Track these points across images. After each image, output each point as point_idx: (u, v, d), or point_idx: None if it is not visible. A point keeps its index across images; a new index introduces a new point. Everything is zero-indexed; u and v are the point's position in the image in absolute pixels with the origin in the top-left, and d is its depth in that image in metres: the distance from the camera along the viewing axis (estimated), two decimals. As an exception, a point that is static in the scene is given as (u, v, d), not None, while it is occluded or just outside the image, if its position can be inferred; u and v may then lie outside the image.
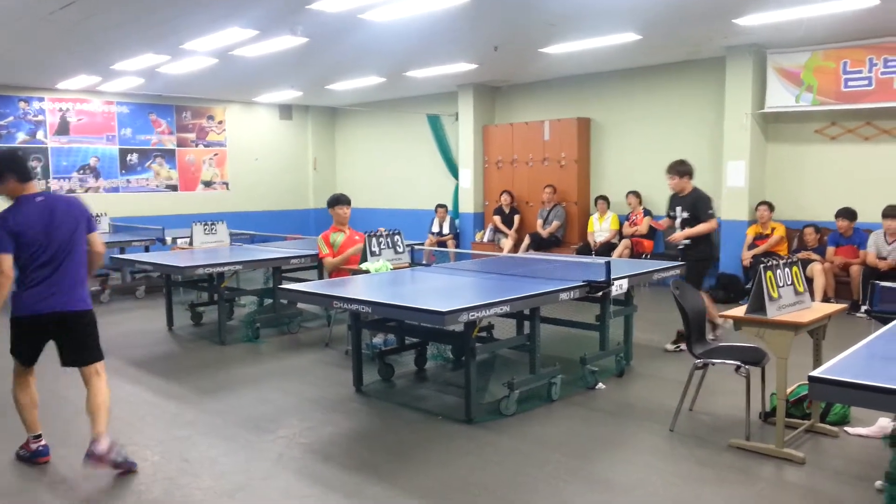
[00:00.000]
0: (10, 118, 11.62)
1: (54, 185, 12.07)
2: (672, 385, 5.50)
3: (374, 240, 6.46)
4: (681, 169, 6.70)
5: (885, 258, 7.98)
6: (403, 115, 13.70)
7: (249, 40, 8.19)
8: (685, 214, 6.62)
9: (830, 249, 8.48)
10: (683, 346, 6.99)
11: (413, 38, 8.36)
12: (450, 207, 12.79)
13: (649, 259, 9.61)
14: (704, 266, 6.74)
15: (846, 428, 4.54)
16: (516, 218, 11.72)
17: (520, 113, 12.25)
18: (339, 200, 7.08)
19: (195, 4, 6.75)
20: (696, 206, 6.57)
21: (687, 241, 6.59)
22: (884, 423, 4.44)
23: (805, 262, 8.32)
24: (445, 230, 12.38)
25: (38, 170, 11.93)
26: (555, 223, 11.08)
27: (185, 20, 7.35)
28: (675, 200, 6.81)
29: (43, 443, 4.23)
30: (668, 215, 6.92)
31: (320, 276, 8.01)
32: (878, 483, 3.67)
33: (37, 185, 4.12)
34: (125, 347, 6.99)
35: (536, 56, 9.52)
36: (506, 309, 4.62)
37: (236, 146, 14.23)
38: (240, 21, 7.42)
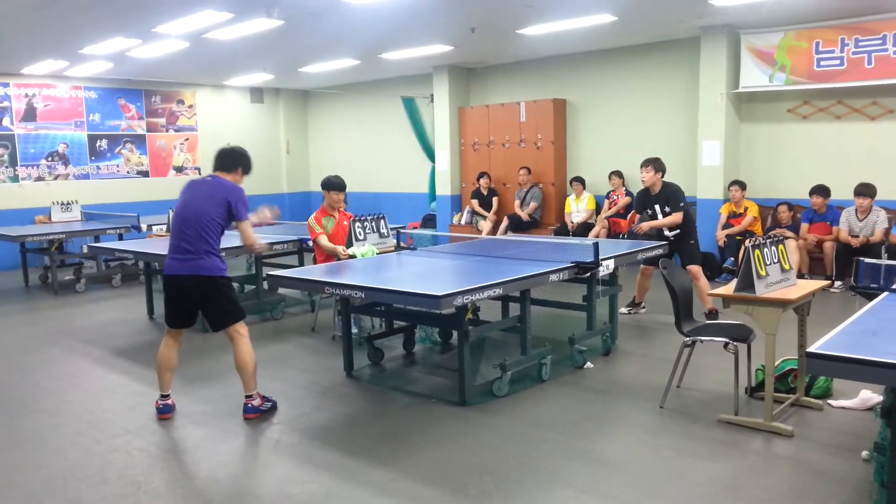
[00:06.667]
0: (-26, 104, 11.31)
1: (22, 172, 11.79)
2: (657, 363, 5.62)
3: (358, 224, 6.43)
4: (658, 165, 6.96)
5: (857, 235, 8.17)
6: (377, 98, 13.60)
7: (223, 23, 8.05)
8: (667, 209, 6.88)
9: (804, 226, 8.65)
10: (635, 310, 7.39)
11: (390, 20, 8.27)
12: (426, 190, 12.76)
13: (626, 238, 9.72)
14: (697, 246, 7.08)
15: (830, 401, 4.67)
16: (495, 200, 11.71)
17: (495, 94, 12.24)
18: (330, 184, 6.69)
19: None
20: (676, 198, 6.88)
21: (676, 232, 6.88)
22: (866, 395, 4.58)
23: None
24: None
25: (6, 157, 11.64)
26: (532, 204, 11.13)
27: (158, 3, 7.19)
28: (647, 198, 7.05)
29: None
30: (647, 213, 7.05)
31: (301, 262, 7.97)
32: (865, 453, 3.80)
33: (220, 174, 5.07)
34: (108, 337, 6.90)
35: (513, 37, 9.51)
36: (499, 291, 4.65)
37: (207, 131, 14.00)
38: (214, 4, 7.29)
